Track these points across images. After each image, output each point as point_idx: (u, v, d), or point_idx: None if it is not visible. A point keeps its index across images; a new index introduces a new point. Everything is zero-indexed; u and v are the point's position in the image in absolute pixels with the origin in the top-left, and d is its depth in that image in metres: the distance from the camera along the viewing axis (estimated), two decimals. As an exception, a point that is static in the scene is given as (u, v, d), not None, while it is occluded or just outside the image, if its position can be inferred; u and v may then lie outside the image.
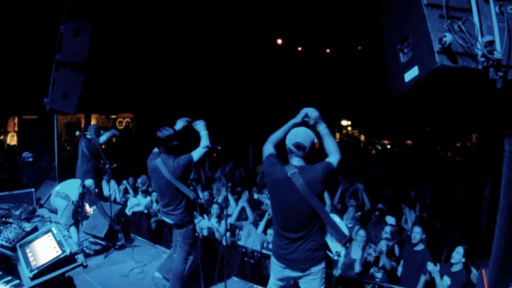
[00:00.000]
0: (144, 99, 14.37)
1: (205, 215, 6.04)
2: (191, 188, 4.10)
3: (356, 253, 5.09)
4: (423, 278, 4.75)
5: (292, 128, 3.03)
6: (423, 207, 7.09)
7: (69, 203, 5.16)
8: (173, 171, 3.91)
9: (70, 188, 5.31)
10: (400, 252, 5.32)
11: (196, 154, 4.02)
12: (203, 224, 5.89)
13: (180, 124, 4.35)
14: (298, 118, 3.07)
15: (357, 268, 4.83)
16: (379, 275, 4.85)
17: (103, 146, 6.61)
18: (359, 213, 6.65)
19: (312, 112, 3.01)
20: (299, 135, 2.89)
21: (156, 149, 4.23)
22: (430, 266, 4.53)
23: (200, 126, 4.18)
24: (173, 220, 4.11)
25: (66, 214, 5.10)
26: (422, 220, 6.21)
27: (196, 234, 4.35)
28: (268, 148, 3.08)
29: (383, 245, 4.97)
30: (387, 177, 10.52)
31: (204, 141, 4.07)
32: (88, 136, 6.56)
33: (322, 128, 2.99)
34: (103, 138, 6.55)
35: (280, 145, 3.08)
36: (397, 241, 5.53)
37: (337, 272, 4.31)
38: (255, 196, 7.64)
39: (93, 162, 6.66)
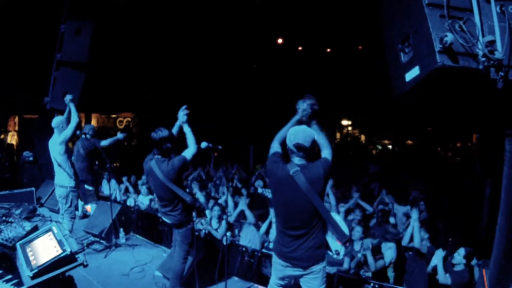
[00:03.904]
0: (149, 98, 14.39)
1: (202, 219, 6.05)
2: (187, 190, 4.08)
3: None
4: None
5: (294, 124, 3.09)
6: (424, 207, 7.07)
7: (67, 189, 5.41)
8: (167, 174, 3.87)
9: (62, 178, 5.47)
10: (399, 255, 5.30)
11: (189, 153, 3.98)
12: (203, 225, 5.90)
13: (181, 115, 4.23)
14: (299, 114, 3.18)
15: (346, 264, 4.82)
16: (368, 274, 4.85)
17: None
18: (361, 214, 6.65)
19: (301, 104, 3.16)
20: (299, 136, 2.89)
21: None
22: (438, 253, 4.50)
23: (186, 127, 4.20)
24: (171, 220, 4.11)
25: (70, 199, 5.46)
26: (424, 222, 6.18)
27: (196, 233, 4.35)
28: (274, 146, 3.13)
29: (367, 242, 4.97)
30: (387, 177, 10.50)
31: (190, 139, 4.06)
32: (88, 136, 6.67)
33: (312, 123, 3.11)
34: (105, 142, 6.70)
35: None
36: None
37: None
38: (260, 190, 7.64)
39: (87, 162, 6.82)
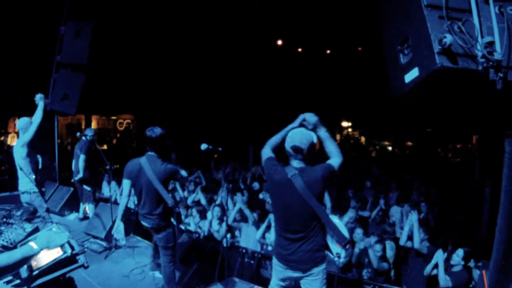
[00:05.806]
0: (149, 100, 14.43)
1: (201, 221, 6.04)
2: (170, 195, 4.03)
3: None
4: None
5: (288, 131, 3.02)
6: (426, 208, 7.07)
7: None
8: (158, 173, 3.83)
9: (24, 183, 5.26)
10: (397, 252, 5.30)
11: (184, 172, 4.19)
12: (203, 225, 5.90)
13: (204, 146, 4.29)
14: (295, 123, 3.05)
15: (342, 260, 4.81)
16: (370, 275, 4.84)
17: (104, 147, 6.68)
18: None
19: (310, 118, 2.97)
20: (296, 138, 2.88)
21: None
22: (438, 253, 4.48)
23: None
24: (149, 224, 4.01)
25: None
26: (424, 222, 6.19)
27: (196, 235, 4.34)
28: (266, 152, 3.10)
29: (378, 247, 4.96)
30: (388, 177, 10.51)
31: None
32: (89, 138, 6.67)
33: (322, 132, 2.96)
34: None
35: (279, 148, 3.08)
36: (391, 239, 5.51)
37: None
38: (260, 196, 7.63)
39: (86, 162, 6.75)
